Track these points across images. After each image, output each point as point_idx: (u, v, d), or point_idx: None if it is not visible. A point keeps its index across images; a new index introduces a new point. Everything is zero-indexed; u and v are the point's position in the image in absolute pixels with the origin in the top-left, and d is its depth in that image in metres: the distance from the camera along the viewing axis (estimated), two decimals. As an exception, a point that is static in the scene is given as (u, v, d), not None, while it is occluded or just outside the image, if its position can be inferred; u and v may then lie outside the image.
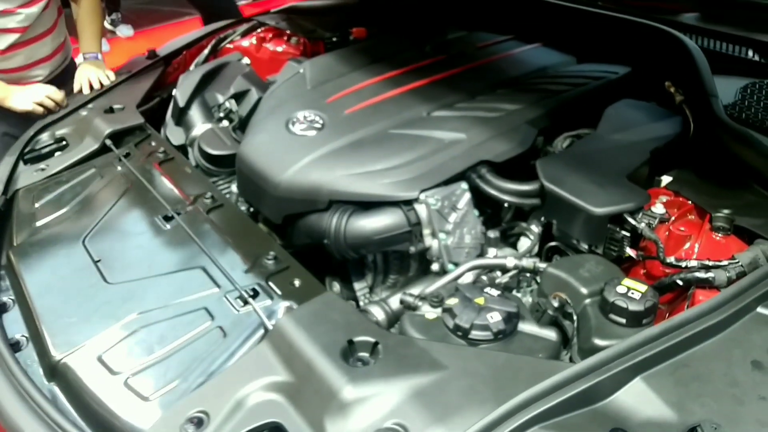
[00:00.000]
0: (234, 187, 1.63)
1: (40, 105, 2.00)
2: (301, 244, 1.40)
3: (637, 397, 0.84)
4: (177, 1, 5.48)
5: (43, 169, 1.64)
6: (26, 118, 1.99)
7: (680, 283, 1.07)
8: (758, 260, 1.05)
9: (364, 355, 0.95)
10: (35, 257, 1.32)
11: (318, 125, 1.51)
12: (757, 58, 1.63)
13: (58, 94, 2.02)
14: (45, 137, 1.79)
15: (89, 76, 2.06)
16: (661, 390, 0.84)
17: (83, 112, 1.87)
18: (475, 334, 0.97)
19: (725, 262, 1.06)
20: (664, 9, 1.82)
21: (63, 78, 2.35)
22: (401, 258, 1.40)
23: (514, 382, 0.85)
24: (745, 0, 1.70)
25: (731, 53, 1.67)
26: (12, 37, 2.09)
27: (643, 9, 1.81)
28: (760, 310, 0.94)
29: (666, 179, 1.31)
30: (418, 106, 1.56)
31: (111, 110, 1.83)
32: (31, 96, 2.03)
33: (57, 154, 1.72)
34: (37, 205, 1.51)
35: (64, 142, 1.76)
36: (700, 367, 0.87)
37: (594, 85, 1.67)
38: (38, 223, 1.44)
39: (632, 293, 0.98)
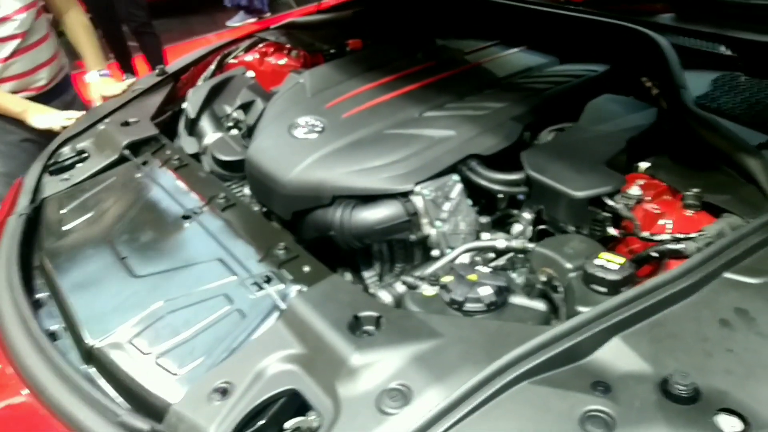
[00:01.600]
0: (247, 190, 1.73)
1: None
2: (310, 238, 1.50)
3: (615, 354, 0.93)
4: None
5: (66, 179, 1.77)
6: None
7: (655, 255, 1.17)
8: (724, 231, 1.16)
9: (369, 327, 1.04)
10: (65, 257, 1.43)
11: (318, 129, 1.62)
12: (728, 52, 1.74)
13: (75, 115, 2.15)
14: (67, 150, 1.91)
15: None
16: (637, 347, 0.93)
17: (101, 126, 1.98)
18: (469, 306, 1.07)
19: (695, 235, 1.16)
20: (642, 11, 1.94)
21: (63, 86, 2.50)
22: (405, 247, 1.51)
23: (504, 345, 0.93)
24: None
25: (705, 49, 1.78)
26: (13, 44, 2.25)
27: (622, 11, 1.93)
28: (726, 275, 1.03)
29: (643, 165, 1.42)
30: (411, 108, 1.67)
31: (127, 123, 1.94)
32: (51, 120, 2.17)
33: (78, 165, 1.83)
34: (63, 211, 1.62)
35: (84, 154, 1.88)
36: (673, 326, 0.96)
37: (575, 83, 1.78)
38: (65, 228, 1.56)
39: (611, 265, 1.08)
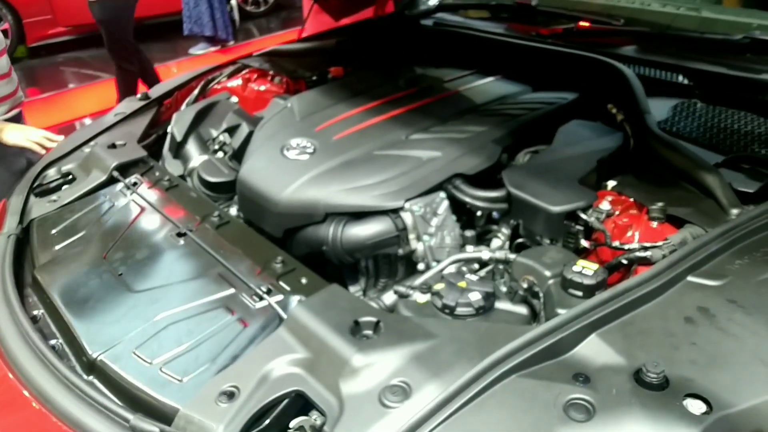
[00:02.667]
0: (233, 210, 1.80)
1: (38, 144, 2.18)
2: (301, 254, 1.58)
3: (593, 349, 1.02)
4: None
5: (54, 201, 1.78)
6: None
7: (625, 262, 1.28)
8: (687, 240, 1.28)
9: (368, 332, 1.11)
10: (60, 274, 1.46)
11: (310, 150, 1.71)
12: (686, 81, 1.89)
13: (56, 137, 2.20)
14: (52, 172, 1.93)
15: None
16: (612, 342, 1.02)
17: (86, 149, 2.01)
18: (459, 310, 1.16)
19: (660, 243, 1.28)
20: (607, 44, 2.09)
21: (17, 118, 2.59)
22: (389, 263, 1.60)
23: (494, 343, 1.01)
24: (674, 33, 1.99)
25: (665, 79, 1.93)
26: None
27: (589, 44, 2.08)
28: (689, 278, 1.13)
29: (611, 183, 1.53)
30: (398, 131, 1.78)
31: (114, 146, 1.97)
32: (27, 135, 2.22)
33: (65, 187, 1.86)
34: (53, 231, 1.65)
35: (70, 176, 1.90)
36: (643, 324, 1.06)
37: (548, 109, 1.90)
38: (57, 247, 1.58)
39: (587, 271, 1.19)
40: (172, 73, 6.50)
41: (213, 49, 7.48)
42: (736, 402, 0.92)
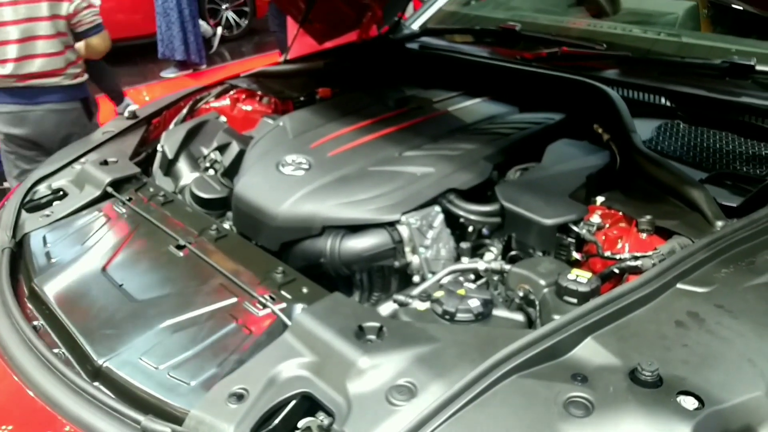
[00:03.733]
0: (226, 226, 1.83)
1: None
2: (298, 267, 1.60)
3: (589, 351, 1.06)
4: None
5: (48, 215, 1.78)
6: None
7: (617, 271, 1.34)
8: (675, 249, 1.34)
9: (372, 336, 1.14)
10: (60, 286, 1.47)
11: (305, 166, 1.75)
12: (668, 103, 1.98)
13: None
14: (42, 189, 1.93)
15: None
16: (607, 345, 1.07)
17: (76, 166, 2.01)
18: (459, 316, 1.20)
19: (650, 253, 1.34)
20: (591, 68, 2.17)
21: None
22: (383, 276, 1.63)
23: (495, 346, 1.05)
24: (656, 58, 2.08)
25: (649, 101, 2.01)
26: None
27: (573, 68, 2.16)
28: (679, 285, 1.19)
29: (600, 199, 1.59)
30: (391, 148, 1.83)
31: (106, 163, 1.99)
32: None
33: (56, 203, 1.86)
34: (49, 245, 1.65)
35: (61, 192, 1.91)
36: (636, 327, 1.10)
37: (536, 129, 1.97)
38: (54, 260, 1.58)
39: (581, 279, 1.24)
40: (142, 97, 6.50)
41: (184, 72, 7.51)
42: (727, 398, 0.97)
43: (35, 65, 3.12)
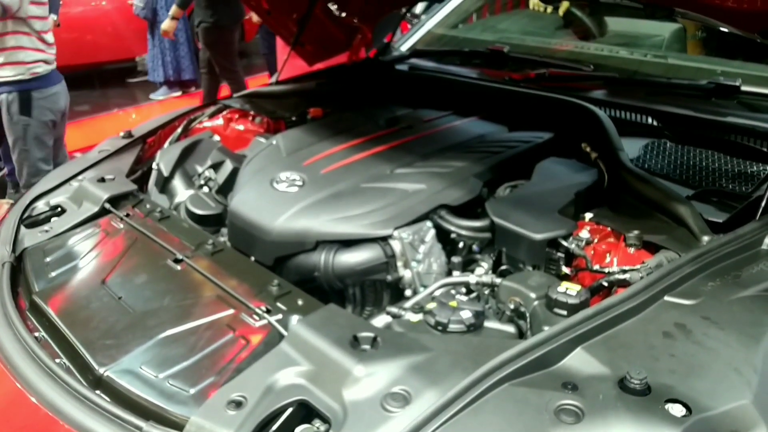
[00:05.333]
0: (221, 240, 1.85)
1: None
2: (291, 281, 1.62)
3: (579, 361, 1.09)
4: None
5: (47, 231, 1.81)
6: None
7: (605, 284, 1.37)
8: (662, 263, 1.38)
9: (367, 346, 1.16)
10: (60, 298, 1.50)
11: (299, 183, 1.78)
12: (655, 123, 2.03)
13: None
14: (41, 205, 1.95)
15: None
16: (597, 355, 1.09)
17: (74, 183, 2.04)
18: (452, 327, 1.22)
19: (638, 267, 1.37)
20: (578, 88, 2.22)
21: None
22: (375, 291, 1.66)
23: (487, 355, 1.08)
24: (643, 79, 2.13)
25: (636, 121, 2.06)
26: None
27: (561, 88, 2.21)
28: (666, 298, 1.22)
29: (588, 215, 1.63)
30: (382, 165, 1.86)
31: (103, 180, 2.01)
32: None
33: (54, 219, 1.89)
34: (48, 259, 1.67)
35: (59, 209, 1.93)
36: (625, 338, 1.13)
37: (525, 147, 2.01)
38: (53, 274, 1.60)
39: (570, 291, 1.27)
40: (131, 119, 6.53)
41: (174, 94, 7.56)
42: (714, 406, 0.99)
43: None
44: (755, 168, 1.77)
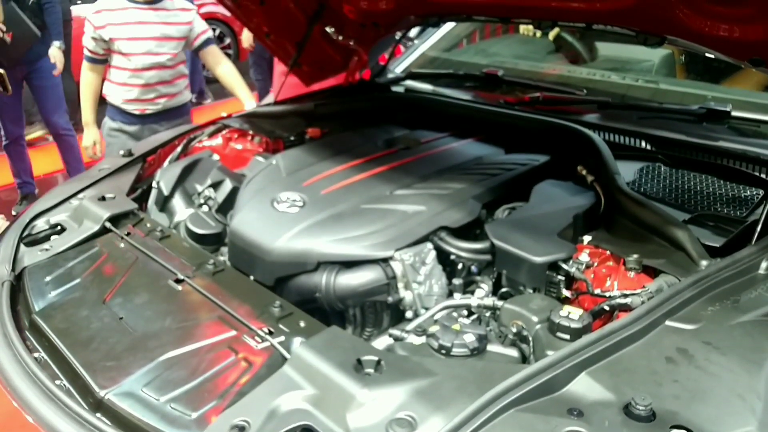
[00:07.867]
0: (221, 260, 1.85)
1: None
2: (292, 302, 1.63)
3: (584, 386, 1.09)
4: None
5: (47, 249, 1.79)
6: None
7: (607, 308, 1.38)
8: (662, 288, 1.39)
9: (370, 370, 1.16)
10: (60, 319, 1.48)
11: (300, 203, 1.78)
12: (649, 146, 2.05)
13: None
14: (40, 223, 1.94)
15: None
16: (601, 380, 1.10)
17: (74, 202, 2.03)
18: (455, 351, 1.23)
19: (638, 291, 1.38)
20: (572, 112, 2.25)
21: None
22: (375, 313, 1.66)
23: (491, 380, 1.08)
24: (636, 103, 2.16)
25: (630, 144, 2.09)
26: None
27: (555, 112, 2.24)
28: (667, 322, 1.23)
29: (587, 238, 1.64)
30: (382, 186, 1.87)
31: (103, 198, 2.01)
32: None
33: (54, 237, 1.88)
34: (48, 278, 1.65)
35: (59, 227, 1.92)
36: (628, 363, 1.14)
37: (522, 170, 2.02)
38: (53, 293, 1.59)
39: (572, 315, 1.28)
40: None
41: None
42: (719, 432, 1.00)
43: None
44: (749, 192, 1.80)
